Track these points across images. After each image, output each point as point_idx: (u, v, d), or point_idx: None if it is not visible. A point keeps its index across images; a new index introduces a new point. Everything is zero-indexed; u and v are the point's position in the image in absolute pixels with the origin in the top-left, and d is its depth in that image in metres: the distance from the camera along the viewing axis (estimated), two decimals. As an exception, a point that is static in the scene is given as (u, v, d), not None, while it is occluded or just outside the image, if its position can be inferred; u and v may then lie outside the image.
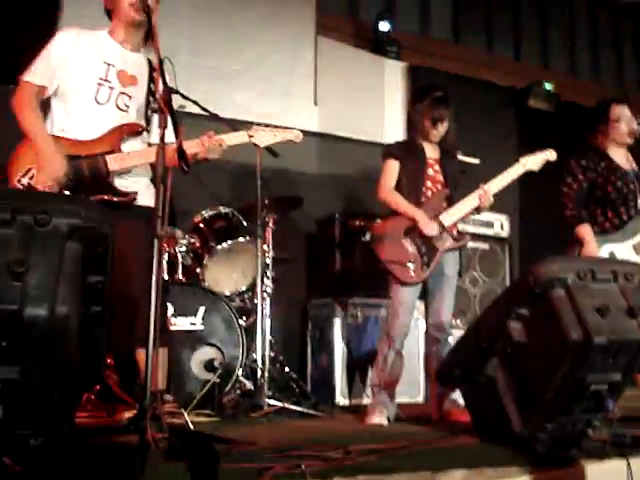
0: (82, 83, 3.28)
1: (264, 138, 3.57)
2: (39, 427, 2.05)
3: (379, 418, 4.02)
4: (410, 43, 7.44)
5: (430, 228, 4.09)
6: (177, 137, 2.80)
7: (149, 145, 3.42)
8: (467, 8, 8.06)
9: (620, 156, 4.44)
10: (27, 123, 3.21)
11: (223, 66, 6.19)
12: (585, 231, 4.27)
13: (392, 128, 6.69)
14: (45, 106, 3.37)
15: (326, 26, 6.91)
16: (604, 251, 4.22)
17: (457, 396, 4.05)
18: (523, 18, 8.48)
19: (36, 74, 3.27)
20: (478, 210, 4.25)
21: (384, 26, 7.09)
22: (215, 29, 6.23)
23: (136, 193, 3.28)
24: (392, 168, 4.25)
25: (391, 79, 7.11)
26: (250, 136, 3.50)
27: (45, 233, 1.92)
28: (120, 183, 3.30)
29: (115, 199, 3.22)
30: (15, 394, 1.94)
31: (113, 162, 3.24)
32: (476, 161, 6.33)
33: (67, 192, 3.14)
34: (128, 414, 3.36)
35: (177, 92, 2.88)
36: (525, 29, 8.50)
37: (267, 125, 3.60)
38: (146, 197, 3.31)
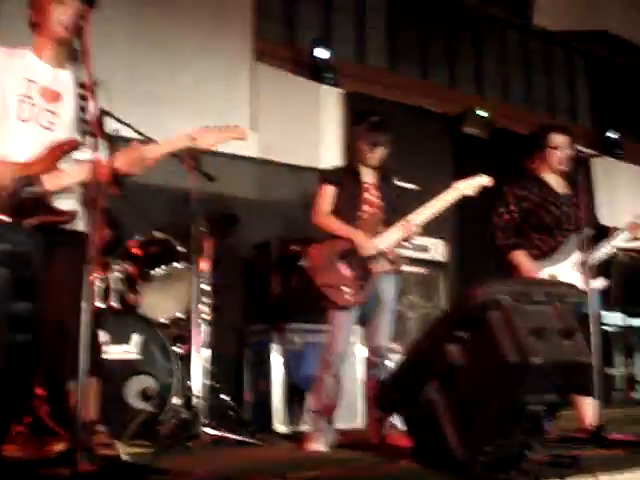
0: (4, 101, 3.17)
1: (208, 139, 3.42)
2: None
3: (318, 444, 3.98)
4: (347, 70, 7.49)
5: (368, 247, 4.09)
6: (110, 160, 2.73)
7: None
8: (402, 36, 8.17)
9: (555, 181, 4.51)
10: None
11: (159, 91, 6.13)
12: (519, 257, 4.32)
13: (328, 153, 6.71)
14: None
15: (263, 52, 6.92)
16: (545, 274, 4.26)
17: (396, 420, 4.04)
18: (457, 46, 8.63)
19: None
20: (405, 239, 4.26)
21: (321, 53, 7.12)
22: (151, 54, 6.17)
23: (75, 212, 3.15)
24: (328, 193, 4.26)
25: (327, 105, 7.14)
26: (193, 139, 3.36)
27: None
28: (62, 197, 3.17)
29: (54, 219, 3.08)
30: None
31: (47, 182, 3.12)
32: (413, 187, 6.37)
33: (3, 216, 3.01)
34: (60, 446, 3.25)
35: (110, 114, 2.82)
36: (459, 56, 8.65)
37: (207, 126, 3.43)
38: (77, 221, 3.21)
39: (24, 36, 3.36)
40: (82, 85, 3.23)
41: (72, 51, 3.29)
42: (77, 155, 3.29)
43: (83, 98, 3.14)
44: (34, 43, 3.31)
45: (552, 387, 2.77)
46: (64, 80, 3.31)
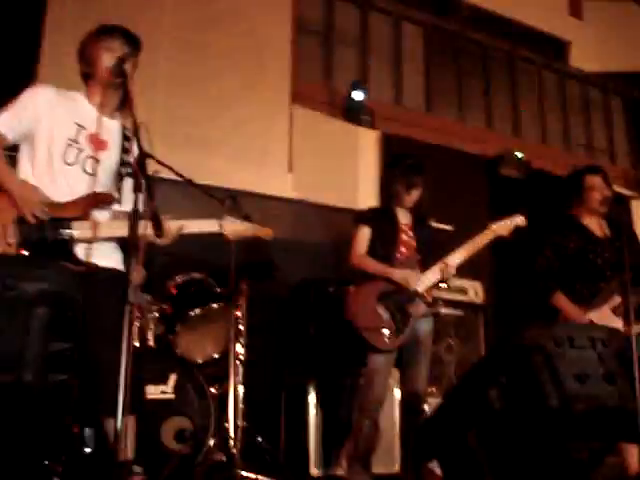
0: (51, 141, 3.20)
1: (235, 231, 3.51)
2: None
3: (355, 489, 3.93)
4: (384, 112, 7.52)
5: (411, 280, 4.07)
6: (151, 202, 2.75)
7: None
8: (439, 77, 8.21)
9: (594, 224, 4.45)
10: None
11: (198, 133, 6.20)
12: (560, 299, 4.25)
13: (365, 195, 6.71)
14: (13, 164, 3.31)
15: (301, 94, 6.98)
16: (585, 320, 4.19)
17: (434, 465, 3.98)
18: (494, 86, 8.64)
19: (1, 122, 3.17)
20: (442, 281, 4.24)
21: (358, 95, 7.16)
22: (190, 97, 6.26)
23: (96, 266, 3.17)
24: (363, 234, 4.26)
25: (364, 147, 7.16)
26: (221, 226, 3.44)
27: (12, 297, 1.86)
28: (84, 246, 3.20)
29: (74, 268, 3.10)
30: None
31: (81, 229, 3.13)
32: (448, 227, 6.34)
33: (25, 252, 3.03)
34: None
35: (151, 156, 2.85)
36: (496, 98, 8.65)
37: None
38: (113, 259, 3.24)
39: (68, 83, 3.45)
40: (124, 133, 3.30)
41: (120, 100, 3.36)
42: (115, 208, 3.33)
43: (127, 139, 3.20)
44: (85, 90, 3.38)
45: (596, 434, 2.71)
46: (112, 129, 3.36)
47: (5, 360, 1.80)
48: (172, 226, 3.25)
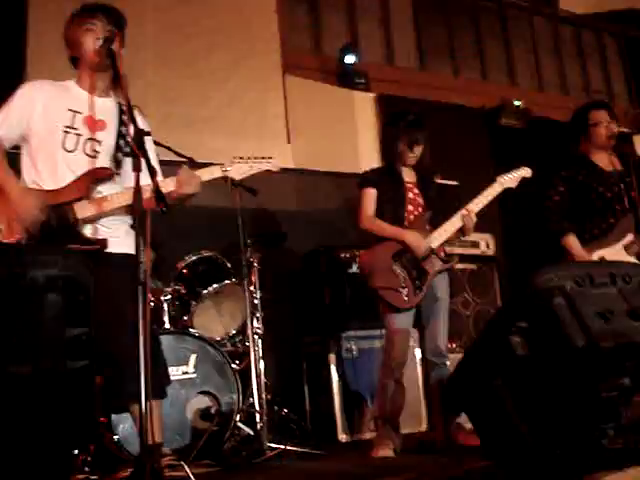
0: (48, 133, 3.19)
1: (240, 171, 3.46)
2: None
3: (385, 451, 3.92)
4: (377, 74, 7.45)
5: (421, 247, 4.04)
6: (153, 178, 2.71)
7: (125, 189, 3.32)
8: (430, 34, 8.12)
9: (604, 160, 4.39)
10: None
11: (193, 112, 6.16)
12: (571, 241, 4.19)
13: (366, 158, 6.65)
14: (16, 161, 3.30)
15: (293, 64, 6.93)
16: (594, 258, 4.15)
17: (462, 420, 3.96)
18: (486, 38, 8.54)
19: None
20: (462, 232, 4.20)
21: (350, 59, 7.10)
22: (182, 77, 6.22)
23: (105, 240, 3.16)
24: (370, 196, 4.22)
25: (361, 110, 7.09)
26: (224, 170, 3.40)
27: (22, 286, 1.82)
28: (99, 231, 3.19)
29: (84, 248, 3.09)
30: (2, 457, 1.83)
31: (83, 209, 3.13)
32: (454, 183, 6.30)
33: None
34: (127, 472, 3.24)
35: (148, 133, 2.81)
36: (490, 49, 8.56)
37: (242, 157, 3.48)
38: (126, 244, 3.21)
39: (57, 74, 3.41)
40: (121, 108, 3.26)
41: (112, 79, 3.32)
42: (116, 181, 3.31)
43: (122, 122, 3.17)
44: (76, 76, 3.34)
45: (624, 371, 2.67)
46: (106, 108, 3.33)
47: (21, 351, 1.77)
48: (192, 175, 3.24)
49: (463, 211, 4.14)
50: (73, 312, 1.96)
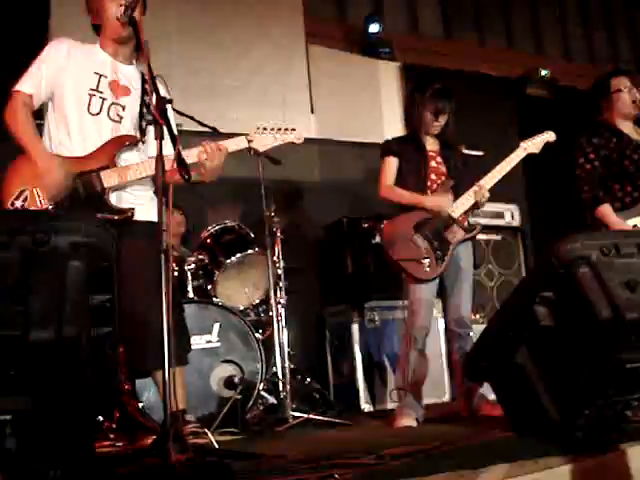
0: (74, 94, 3.21)
1: (264, 142, 3.47)
2: (56, 458, 1.95)
3: (408, 420, 3.92)
4: (402, 43, 7.36)
5: (445, 206, 4.01)
6: (175, 146, 2.71)
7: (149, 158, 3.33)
8: (455, 2, 7.99)
9: (629, 128, 4.32)
10: (20, 133, 3.14)
11: (216, 83, 6.14)
12: (606, 212, 4.10)
13: (391, 128, 6.61)
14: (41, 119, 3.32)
15: (316, 33, 6.86)
16: (628, 227, 4.09)
17: (485, 390, 3.96)
18: (513, 6, 8.40)
19: (25, 83, 3.21)
20: (476, 206, 4.17)
21: (374, 28, 7.02)
22: (205, 47, 6.19)
23: (133, 209, 3.18)
24: (390, 165, 4.19)
25: (385, 79, 7.05)
26: (249, 141, 3.40)
27: (45, 253, 1.83)
28: (124, 198, 3.22)
29: (111, 217, 3.11)
30: (28, 424, 1.85)
31: (109, 178, 3.15)
32: (480, 153, 6.24)
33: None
34: (151, 439, 3.26)
35: (170, 102, 2.80)
36: (516, 17, 8.42)
37: (265, 128, 3.48)
38: (150, 211, 3.22)
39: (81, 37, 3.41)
40: (144, 77, 3.26)
41: (134, 47, 3.32)
42: (140, 149, 3.31)
43: (146, 91, 3.17)
44: (99, 41, 3.34)
45: (650, 342, 2.64)
46: (130, 75, 3.35)
47: (43, 317, 1.77)
48: (217, 146, 3.26)
49: (475, 187, 4.11)
50: (96, 279, 1.96)
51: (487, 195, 4.12)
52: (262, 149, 3.48)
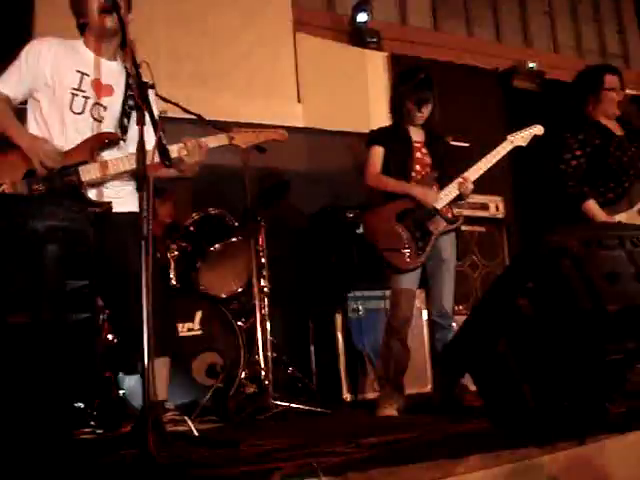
0: (55, 93, 3.17)
1: (246, 139, 3.45)
2: (33, 444, 1.94)
3: (389, 410, 3.94)
4: (390, 33, 7.33)
5: (431, 197, 4.01)
6: (156, 132, 2.69)
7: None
8: (444, -7, 7.98)
9: (612, 125, 4.33)
10: None
11: (203, 70, 6.09)
12: (592, 206, 4.12)
13: (377, 118, 6.56)
14: (21, 117, 3.28)
15: (304, 22, 6.82)
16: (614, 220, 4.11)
17: (466, 381, 3.96)
18: (501, -1, 8.41)
19: (6, 83, 3.17)
20: (460, 198, 4.17)
21: (362, 17, 6.99)
22: (192, 34, 6.14)
23: (110, 203, 3.15)
24: (377, 153, 4.19)
25: (373, 69, 7.01)
26: (231, 138, 3.37)
27: (22, 237, 1.81)
28: (104, 194, 3.19)
29: (92, 209, 3.07)
30: (3, 409, 1.83)
31: (87, 172, 3.12)
32: (464, 144, 6.24)
33: None
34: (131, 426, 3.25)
35: (152, 87, 2.78)
36: (505, 9, 8.41)
37: (250, 125, 3.47)
38: (130, 203, 3.20)
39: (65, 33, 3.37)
40: (128, 72, 3.23)
41: (119, 43, 3.28)
42: (122, 147, 3.28)
43: (129, 86, 3.14)
44: (84, 39, 3.30)
45: (631, 334, 2.65)
46: (113, 71, 3.31)
47: (19, 300, 1.76)
48: (197, 142, 3.22)
49: (459, 179, 4.11)
50: (73, 264, 1.94)
51: (471, 187, 4.13)
52: (244, 146, 3.46)
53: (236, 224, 4.75)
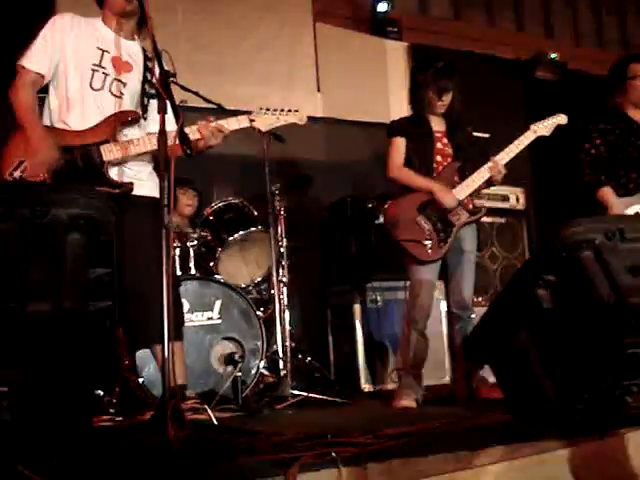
0: (76, 69, 3.20)
1: (266, 122, 3.44)
2: (53, 431, 1.95)
3: (407, 401, 3.93)
4: (410, 23, 7.30)
5: (449, 199, 3.98)
6: (177, 121, 2.70)
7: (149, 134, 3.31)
8: (465, -18, 7.92)
9: (638, 114, 4.29)
10: (21, 112, 3.12)
11: (223, 59, 6.10)
12: (607, 195, 4.12)
13: (397, 108, 6.55)
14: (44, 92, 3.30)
15: (324, 11, 6.80)
16: (631, 213, 4.08)
17: (485, 373, 3.95)
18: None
19: (32, 60, 3.18)
20: (490, 183, 4.14)
21: (382, 7, 6.97)
22: (212, 23, 6.14)
23: (132, 183, 3.17)
24: (399, 145, 4.15)
25: (393, 59, 6.99)
26: (251, 120, 3.38)
27: (44, 225, 1.81)
28: (123, 173, 3.20)
29: (112, 190, 3.10)
30: (24, 397, 1.84)
31: (109, 152, 3.13)
32: (485, 135, 6.20)
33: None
34: (150, 414, 3.27)
35: (173, 75, 2.78)
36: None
37: (269, 109, 3.46)
38: (148, 187, 3.22)
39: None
40: (146, 53, 3.24)
41: (137, 22, 3.29)
42: (142, 125, 3.29)
43: (149, 59, 3.15)
44: (102, 17, 3.31)
45: (652, 327, 2.62)
46: (133, 51, 3.33)
47: (40, 289, 1.76)
48: (217, 127, 3.25)
49: (490, 163, 4.07)
50: (95, 252, 1.95)
51: (504, 171, 4.08)
52: (264, 129, 3.46)
53: (256, 213, 4.76)
